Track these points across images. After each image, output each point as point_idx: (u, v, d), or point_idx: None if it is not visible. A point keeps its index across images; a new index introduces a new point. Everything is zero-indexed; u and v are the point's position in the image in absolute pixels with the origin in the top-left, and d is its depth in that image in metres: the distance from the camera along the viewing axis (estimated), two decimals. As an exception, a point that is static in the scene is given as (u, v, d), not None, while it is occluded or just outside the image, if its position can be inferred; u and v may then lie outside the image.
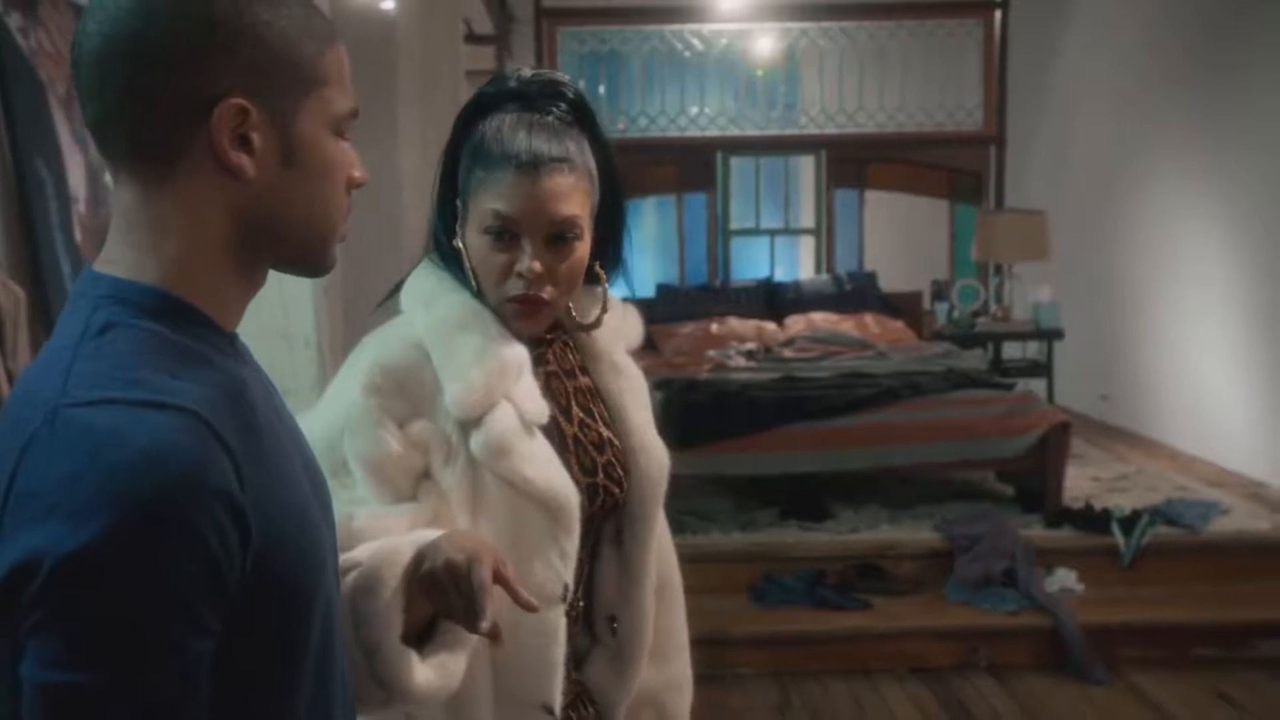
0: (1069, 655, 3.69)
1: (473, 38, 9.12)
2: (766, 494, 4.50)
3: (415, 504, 1.27)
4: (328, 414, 1.29)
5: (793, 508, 4.40)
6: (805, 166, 6.70)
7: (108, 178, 3.64)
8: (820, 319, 5.71)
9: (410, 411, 1.26)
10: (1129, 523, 4.16)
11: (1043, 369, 6.08)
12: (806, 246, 6.84)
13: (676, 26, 6.24)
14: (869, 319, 5.71)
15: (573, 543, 1.29)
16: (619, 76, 6.27)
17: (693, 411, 4.33)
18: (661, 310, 5.92)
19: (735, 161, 6.33)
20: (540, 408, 1.29)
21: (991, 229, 5.82)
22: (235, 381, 0.84)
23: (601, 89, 6.25)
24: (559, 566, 1.28)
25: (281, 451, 0.86)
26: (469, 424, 1.25)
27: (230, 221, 0.84)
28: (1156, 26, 7.04)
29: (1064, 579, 4.06)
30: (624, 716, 1.44)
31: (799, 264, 7.12)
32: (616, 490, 1.36)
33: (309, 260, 0.91)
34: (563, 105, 1.30)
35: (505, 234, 1.26)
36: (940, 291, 6.27)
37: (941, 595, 4.01)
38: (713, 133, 6.04)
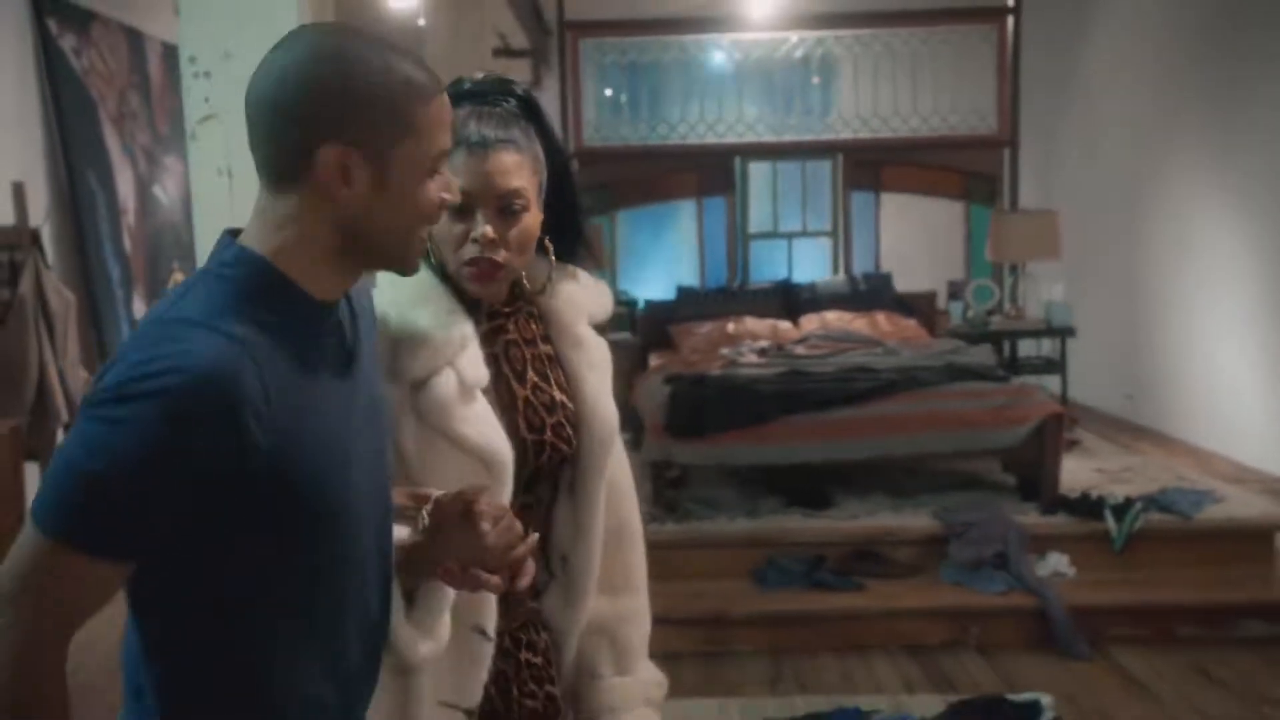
0: (1053, 632, 3.85)
1: (509, 52, 9.40)
2: (771, 483, 4.69)
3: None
4: None
5: (796, 496, 4.58)
6: (822, 171, 6.87)
7: (156, 190, 3.98)
8: (833, 318, 5.89)
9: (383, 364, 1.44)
10: (1121, 510, 4.30)
11: (1056, 366, 6.20)
12: (827, 249, 7.01)
13: (695, 37, 6.46)
14: (881, 317, 5.87)
15: (505, 492, 1.45)
16: (640, 86, 6.50)
17: (700, 404, 4.53)
18: (681, 311, 6.12)
19: (753, 166, 6.54)
20: (479, 375, 1.45)
21: (1004, 229, 5.96)
22: (293, 333, 1.10)
23: (624, 98, 6.48)
24: None
25: (324, 391, 1.12)
26: (417, 386, 1.42)
27: (330, 227, 1.12)
28: (1170, 28, 7.15)
29: (1056, 563, 4.21)
30: (578, 644, 1.62)
31: (826, 266, 7.29)
32: (565, 446, 1.53)
33: (392, 262, 1.17)
34: (511, 100, 1.49)
35: (461, 207, 1.40)
36: (956, 291, 6.42)
37: (936, 578, 4.18)
38: (730, 139, 6.23)
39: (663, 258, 7.75)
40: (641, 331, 6.19)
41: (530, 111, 1.50)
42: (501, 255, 1.44)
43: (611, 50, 6.41)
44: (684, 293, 6.46)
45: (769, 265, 7.06)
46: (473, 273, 1.46)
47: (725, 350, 5.46)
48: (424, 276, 1.47)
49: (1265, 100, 5.81)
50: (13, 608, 1.03)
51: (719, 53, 6.48)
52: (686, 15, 6.58)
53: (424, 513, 1.28)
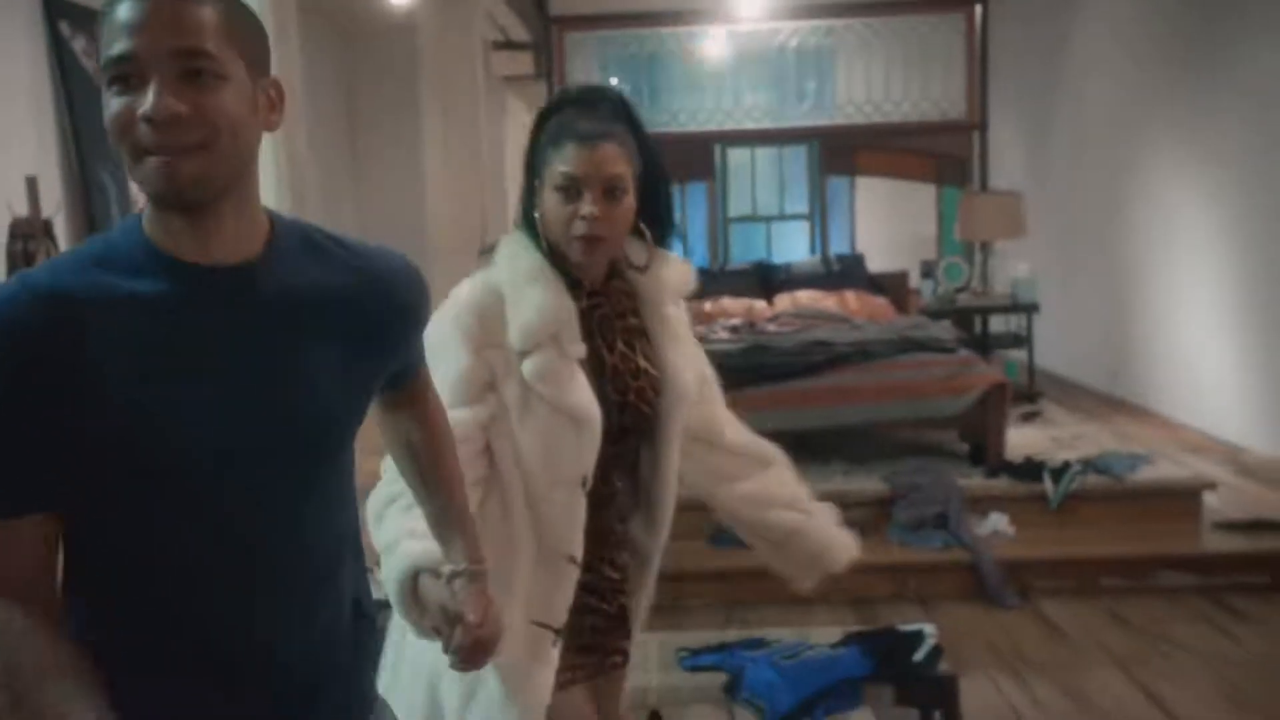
0: (983, 584, 4.13)
1: (510, 45, 9.70)
2: (734, 450, 4.97)
3: (477, 408, 1.69)
4: (439, 347, 1.66)
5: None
6: (799, 157, 7.14)
7: None
8: (805, 297, 6.16)
9: (485, 339, 1.70)
10: (1058, 473, 4.57)
11: (1024, 341, 6.45)
12: (805, 231, 7.29)
13: (676, 29, 6.74)
14: (850, 296, 6.13)
15: (593, 446, 1.72)
16: (625, 77, 6.79)
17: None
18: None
19: (733, 153, 6.82)
20: (578, 349, 1.72)
21: (972, 210, 6.21)
22: (137, 290, 1.10)
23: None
24: (580, 462, 1.73)
25: (177, 348, 1.11)
26: (524, 354, 1.69)
27: None
28: (1146, 16, 7.38)
29: (996, 522, 4.49)
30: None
31: (804, 247, 7.56)
32: (645, 407, 1.81)
33: (147, 196, 1.15)
34: (607, 103, 1.78)
35: (571, 189, 1.69)
36: (928, 270, 6.67)
37: (884, 537, 4.46)
38: (711, 127, 6.52)
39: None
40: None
41: (626, 112, 1.77)
42: (605, 230, 1.69)
43: (597, 43, 6.70)
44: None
45: (749, 248, 7.34)
46: (581, 246, 1.70)
47: (699, 328, 5.72)
48: (536, 258, 1.74)
49: (1236, 84, 6.04)
50: None
51: (700, 44, 6.76)
52: (669, 9, 6.86)
53: (457, 634, 1.38)
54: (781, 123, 6.66)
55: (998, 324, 6.78)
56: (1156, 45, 7.11)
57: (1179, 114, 6.76)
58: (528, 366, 1.69)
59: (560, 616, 1.75)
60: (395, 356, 1.33)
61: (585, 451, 1.73)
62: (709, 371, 1.98)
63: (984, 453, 4.81)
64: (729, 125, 6.69)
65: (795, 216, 7.19)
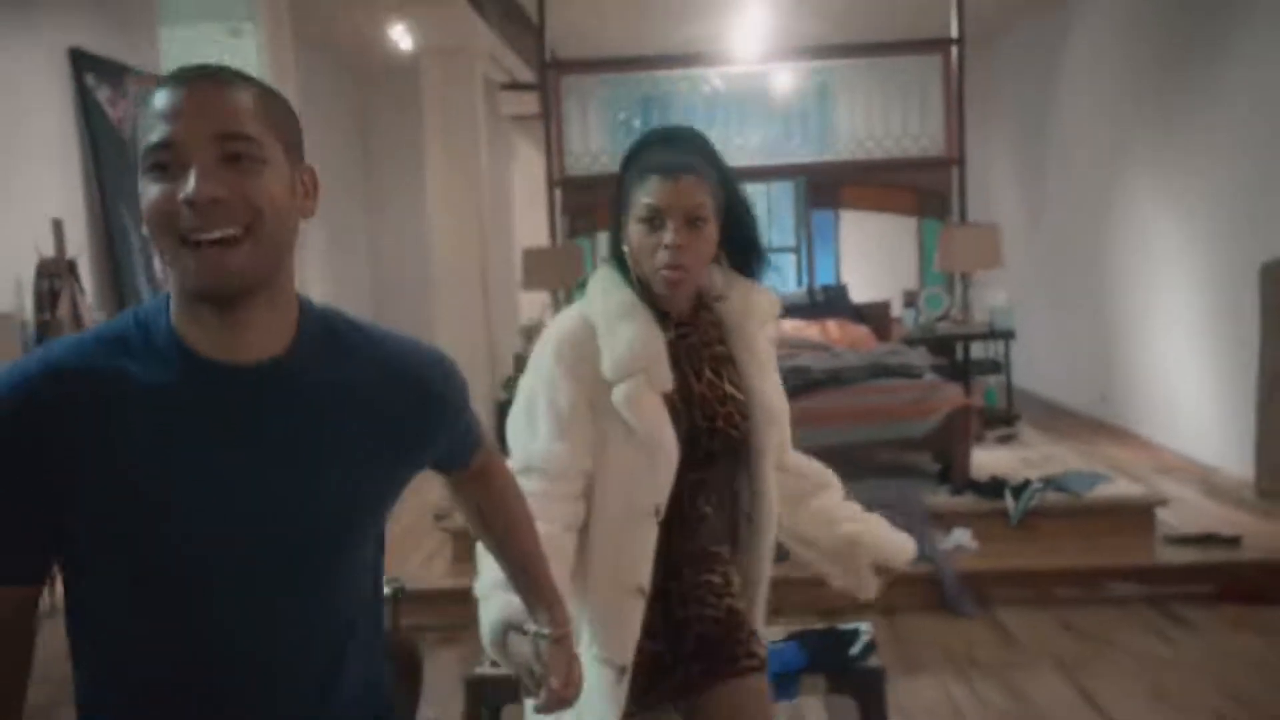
0: (944, 595, 4.39)
1: (516, 85, 10.06)
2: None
3: (577, 443, 1.75)
4: (530, 379, 1.82)
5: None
6: (786, 192, 7.44)
7: None
8: (790, 326, 6.43)
9: (581, 370, 1.75)
10: (1019, 490, 4.83)
11: (1001, 367, 6.72)
12: (791, 264, 7.60)
13: (668, 73, 7.08)
14: (832, 325, 6.41)
15: (668, 476, 1.75)
16: (617, 118, 7.11)
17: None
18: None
19: (722, 189, 7.16)
20: (665, 382, 1.76)
21: (951, 242, 6.49)
22: (152, 382, 1.10)
23: (610, 127, 7.11)
24: (655, 492, 1.75)
25: (182, 445, 1.10)
26: (615, 383, 1.74)
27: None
28: (1127, 61, 7.70)
29: (960, 537, 4.75)
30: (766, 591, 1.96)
31: (790, 279, 7.86)
32: (734, 432, 1.82)
33: (180, 284, 1.13)
34: (688, 140, 1.86)
35: (654, 219, 1.75)
36: (911, 300, 6.95)
37: (854, 552, 4.72)
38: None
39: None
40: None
41: (706, 148, 1.85)
42: (687, 260, 1.75)
43: (594, 85, 7.04)
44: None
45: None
46: (666, 276, 1.76)
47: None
48: (627, 293, 1.80)
49: (1212, 123, 6.34)
50: None
51: (690, 86, 7.09)
52: (663, 53, 7.20)
53: (541, 693, 1.46)
54: (770, 160, 6.96)
55: (979, 350, 7.04)
56: (1137, 85, 7.43)
57: (1158, 151, 7.07)
58: (617, 393, 1.74)
59: (628, 653, 1.76)
60: (427, 448, 1.30)
61: (660, 481, 1.75)
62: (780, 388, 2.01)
63: (951, 471, 5.08)
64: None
65: (782, 249, 7.50)
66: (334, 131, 9.24)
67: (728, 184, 1.83)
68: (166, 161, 1.06)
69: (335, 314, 1.25)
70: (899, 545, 2.07)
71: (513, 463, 1.72)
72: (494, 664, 1.92)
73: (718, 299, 1.86)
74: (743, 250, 1.88)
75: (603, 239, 8.62)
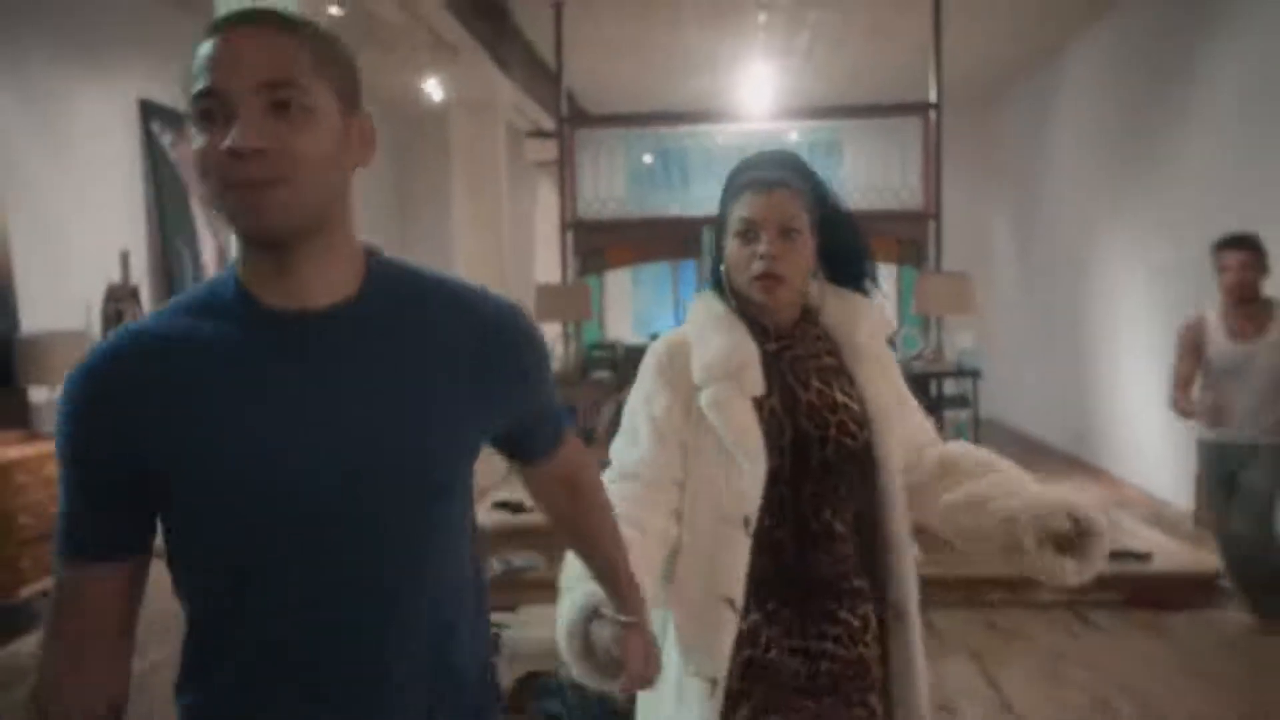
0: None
1: (540, 133, 10.81)
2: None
3: (671, 451, 1.76)
4: (632, 395, 1.85)
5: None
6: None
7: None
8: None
9: (675, 377, 1.78)
10: (963, 509, 5.41)
11: (969, 402, 7.32)
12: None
13: (671, 129, 7.78)
14: (814, 360, 7.01)
15: (756, 485, 1.73)
16: (624, 169, 7.82)
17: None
18: (655, 353, 7.37)
19: (719, 235, 7.84)
20: (755, 387, 1.76)
21: (926, 288, 7.11)
22: (219, 335, 1.11)
23: (618, 176, 7.80)
24: (741, 502, 1.73)
25: (252, 394, 1.10)
26: (704, 388, 1.76)
27: None
28: (1100, 130, 8.37)
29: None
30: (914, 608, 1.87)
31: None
32: (849, 440, 1.78)
33: (234, 230, 1.10)
34: (781, 157, 1.88)
35: (749, 232, 1.77)
36: (890, 339, 7.54)
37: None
38: (699, 213, 7.51)
39: (644, 310, 9.03)
40: (620, 369, 7.45)
41: (800, 166, 1.86)
42: (781, 269, 1.76)
43: (605, 140, 7.74)
44: (656, 339, 7.70)
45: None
46: (759, 285, 1.78)
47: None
48: (721, 307, 1.84)
49: (1168, 191, 6.98)
50: None
51: (695, 141, 7.78)
52: (669, 110, 7.90)
53: (622, 679, 1.49)
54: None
55: (953, 387, 7.65)
56: (1109, 149, 8.10)
57: (1128, 212, 7.70)
58: (705, 397, 1.75)
59: (720, 667, 1.73)
60: (505, 400, 1.26)
61: (748, 491, 1.73)
62: (904, 391, 1.95)
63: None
64: (713, 212, 7.70)
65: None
66: (371, 177, 9.98)
67: (824, 199, 1.85)
68: (212, 109, 1.04)
69: (407, 264, 1.24)
70: (1054, 501, 1.77)
71: (610, 471, 1.76)
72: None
73: (819, 310, 1.86)
74: (845, 264, 1.88)
75: (610, 277, 9.33)
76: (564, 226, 7.62)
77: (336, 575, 1.14)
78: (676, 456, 1.77)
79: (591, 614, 1.56)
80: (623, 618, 1.47)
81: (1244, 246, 4.39)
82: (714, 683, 1.72)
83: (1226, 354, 4.40)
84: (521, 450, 1.37)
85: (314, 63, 1.08)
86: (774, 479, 1.75)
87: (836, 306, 1.86)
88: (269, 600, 1.13)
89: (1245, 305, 4.38)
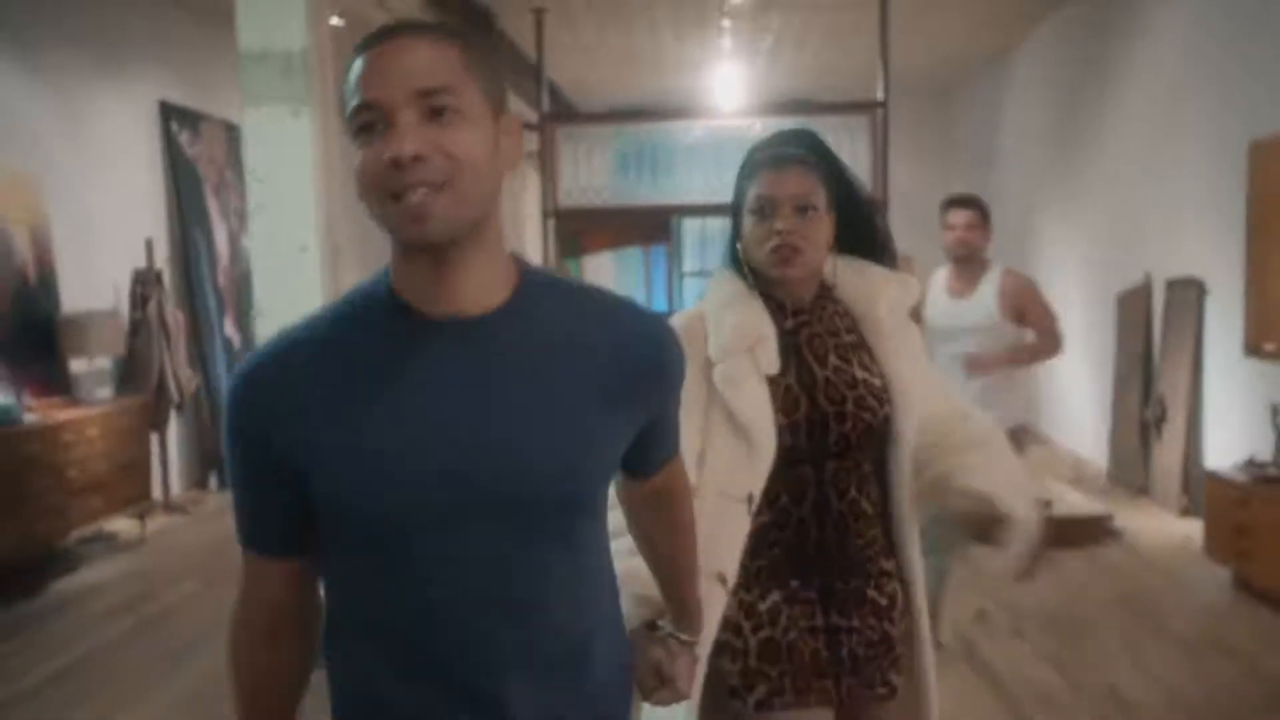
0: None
1: (528, 126, 11.51)
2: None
3: (690, 433, 1.63)
4: None
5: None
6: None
7: (244, 242, 6.29)
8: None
9: (692, 354, 1.58)
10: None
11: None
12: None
13: (645, 124, 8.51)
14: (770, 335, 7.71)
15: (764, 463, 1.70)
16: (601, 161, 8.54)
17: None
18: (627, 331, 8.12)
19: (686, 222, 8.51)
20: (770, 363, 1.73)
21: (873, 270, 7.84)
22: (370, 342, 1.13)
23: (590, 169, 8.53)
24: (748, 480, 1.70)
25: (402, 401, 1.11)
26: (718, 364, 1.74)
27: None
28: (1045, 119, 9.10)
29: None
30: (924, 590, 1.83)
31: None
32: (868, 415, 1.74)
33: (392, 235, 1.11)
34: (798, 136, 1.86)
35: (764, 209, 1.74)
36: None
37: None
38: (669, 202, 8.22)
39: (624, 290, 9.77)
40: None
41: (816, 144, 1.86)
42: (797, 242, 1.72)
43: (582, 136, 8.46)
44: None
45: (697, 297, 9.04)
46: (774, 259, 1.74)
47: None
48: (737, 284, 1.81)
49: (1090, 175, 7.70)
50: None
51: (661, 137, 8.51)
52: (634, 109, 8.60)
53: (664, 693, 1.43)
54: (721, 199, 8.34)
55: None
56: (1046, 136, 8.82)
57: (1061, 189, 8.43)
58: (718, 372, 1.72)
59: (707, 644, 1.69)
60: (643, 415, 1.24)
61: (757, 469, 1.71)
62: (925, 365, 1.92)
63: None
64: (684, 200, 8.41)
65: (735, 273, 8.94)
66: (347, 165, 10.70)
67: (840, 177, 1.83)
68: (371, 122, 1.05)
69: (554, 272, 1.28)
70: (980, 490, 1.77)
71: None
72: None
73: (836, 286, 1.83)
74: (861, 241, 1.86)
75: (589, 261, 10.05)
76: (545, 215, 8.34)
77: (468, 583, 1.13)
78: (696, 432, 1.72)
79: (644, 621, 1.50)
80: (683, 636, 1.45)
81: (968, 206, 4.41)
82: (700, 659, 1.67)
83: (943, 311, 4.38)
84: (634, 463, 1.31)
85: (463, 67, 1.09)
86: (793, 458, 1.73)
87: (854, 280, 1.84)
88: (403, 603, 1.14)
89: (964, 264, 4.37)
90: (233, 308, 7.93)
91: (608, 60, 9.73)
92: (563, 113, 8.78)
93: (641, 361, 1.21)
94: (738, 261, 1.83)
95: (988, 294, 4.33)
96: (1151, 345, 6.69)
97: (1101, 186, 7.53)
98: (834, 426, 1.74)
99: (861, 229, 1.86)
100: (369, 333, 1.14)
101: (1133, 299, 6.91)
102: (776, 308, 1.80)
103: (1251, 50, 5.32)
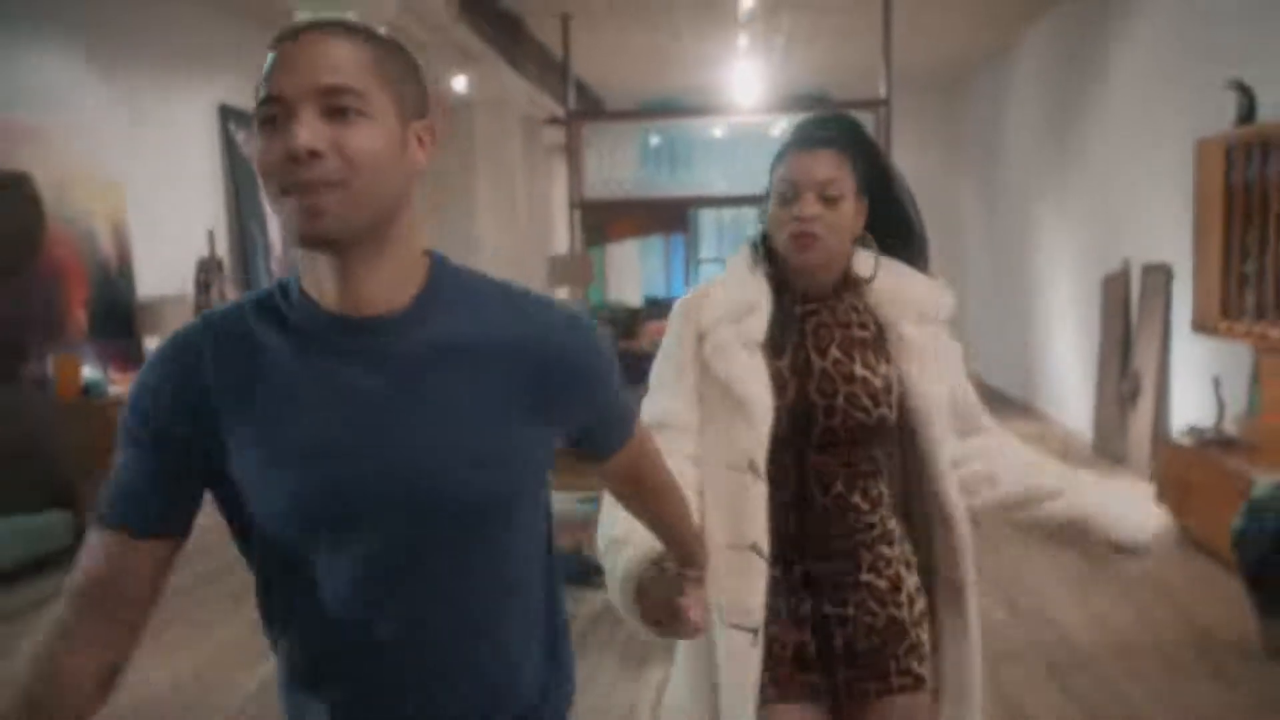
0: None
1: (556, 120, 12.14)
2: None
3: (690, 400, 1.73)
4: (662, 345, 1.82)
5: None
6: (751, 216, 9.41)
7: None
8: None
9: (689, 326, 1.76)
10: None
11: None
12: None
13: (664, 121, 9.13)
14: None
15: (759, 431, 1.68)
16: (623, 154, 9.16)
17: (629, 369, 7.12)
18: (647, 313, 8.77)
19: (703, 213, 9.14)
20: (755, 334, 1.71)
21: (876, 256, 8.40)
22: (275, 338, 1.12)
23: (613, 163, 9.15)
24: (746, 445, 1.68)
25: (301, 399, 1.10)
26: (707, 334, 1.74)
27: None
28: (1039, 115, 9.64)
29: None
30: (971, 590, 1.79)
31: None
32: (860, 414, 1.70)
33: (287, 234, 1.09)
34: (832, 121, 1.79)
35: (789, 193, 1.70)
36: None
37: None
38: (687, 194, 8.85)
39: (649, 277, 10.39)
40: (618, 325, 8.83)
41: (851, 129, 1.77)
42: (819, 228, 1.68)
43: (603, 131, 9.09)
44: (649, 300, 9.08)
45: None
46: (795, 244, 1.70)
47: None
48: (747, 258, 1.81)
49: (1078, 169, 8.21)
50: None
51: (679, 133, 9.13)
52: (655, 108, 9.23)
53: (680, 628, 1.40)
54: (736, 192, 8.93)
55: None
56: (1044, 128, 9.35)
57: (1056, 182, 8.98)
58: (708, 342, 1.71)
59: (756, 616, 1.67)
60: (569, 414, 1.22)
61: (753, 435, 1.67)
62: (960, 387, 1.84)
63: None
64: (701, 192, 9.05)
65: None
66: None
67: (876, 167, 1.77)
68: (274, 115, 1.05)
69: (471, 272, 1.21)
70: (1136, 519, 1.84)
71: (644, 417, 1.65)
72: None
73: (868, 281, 1.77)
74: (895, 233, 1.79)
75: (612, 249, 10.65)
76: (571, 206, 8.97)
77: (367, 596, 1.12)
78: (694, 402, 1.73)
79: (649, 564, 1.52)
80: (690, 573, 1.46)
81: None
82: (754, 633, 1.66)
83: None
84: (591, 448, 1.32)
85: (373, 69, 1.08)
86: (776, 445, 1.70)
87: (889, 283, 1.78)
88: (311, 599, 1.13)
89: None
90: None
91: (631, 59, 10.33)
92: (588, 110, 9.40)
93: (557, 360, 1.19)
94: (763, 240, 1.81)
95: None
96: (1130, 325, 7.22)
97: (1089, 178, 8.05)
98: (820, 419, 1.71)
99: (895, 221, 1.80)
100: (277, 329, 1.13)
101: (1114, 283, 7.44)
102: (789, 290, 1.77)
103: (1198, 56, 5.86)
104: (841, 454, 1.73)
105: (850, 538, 1.73)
